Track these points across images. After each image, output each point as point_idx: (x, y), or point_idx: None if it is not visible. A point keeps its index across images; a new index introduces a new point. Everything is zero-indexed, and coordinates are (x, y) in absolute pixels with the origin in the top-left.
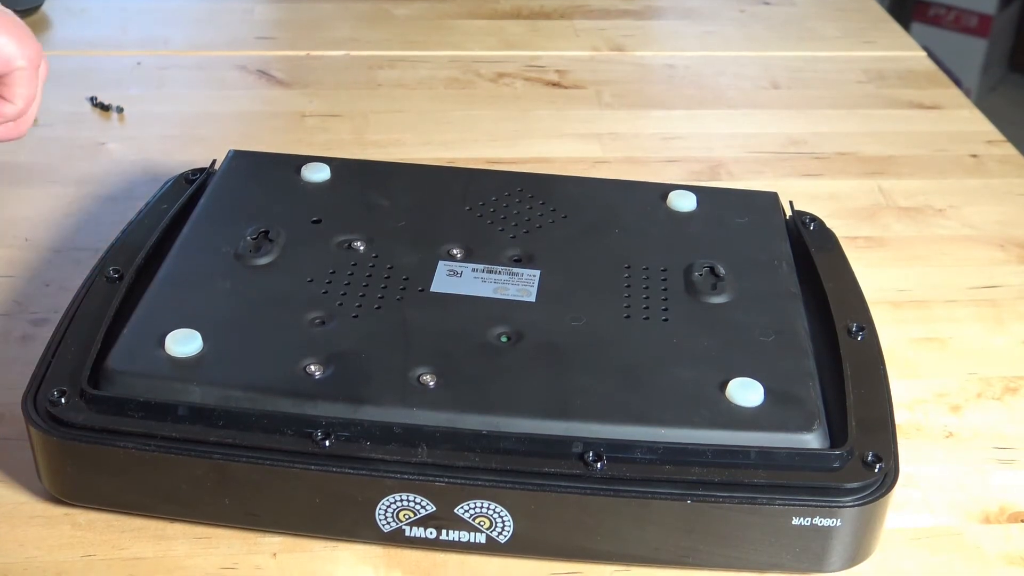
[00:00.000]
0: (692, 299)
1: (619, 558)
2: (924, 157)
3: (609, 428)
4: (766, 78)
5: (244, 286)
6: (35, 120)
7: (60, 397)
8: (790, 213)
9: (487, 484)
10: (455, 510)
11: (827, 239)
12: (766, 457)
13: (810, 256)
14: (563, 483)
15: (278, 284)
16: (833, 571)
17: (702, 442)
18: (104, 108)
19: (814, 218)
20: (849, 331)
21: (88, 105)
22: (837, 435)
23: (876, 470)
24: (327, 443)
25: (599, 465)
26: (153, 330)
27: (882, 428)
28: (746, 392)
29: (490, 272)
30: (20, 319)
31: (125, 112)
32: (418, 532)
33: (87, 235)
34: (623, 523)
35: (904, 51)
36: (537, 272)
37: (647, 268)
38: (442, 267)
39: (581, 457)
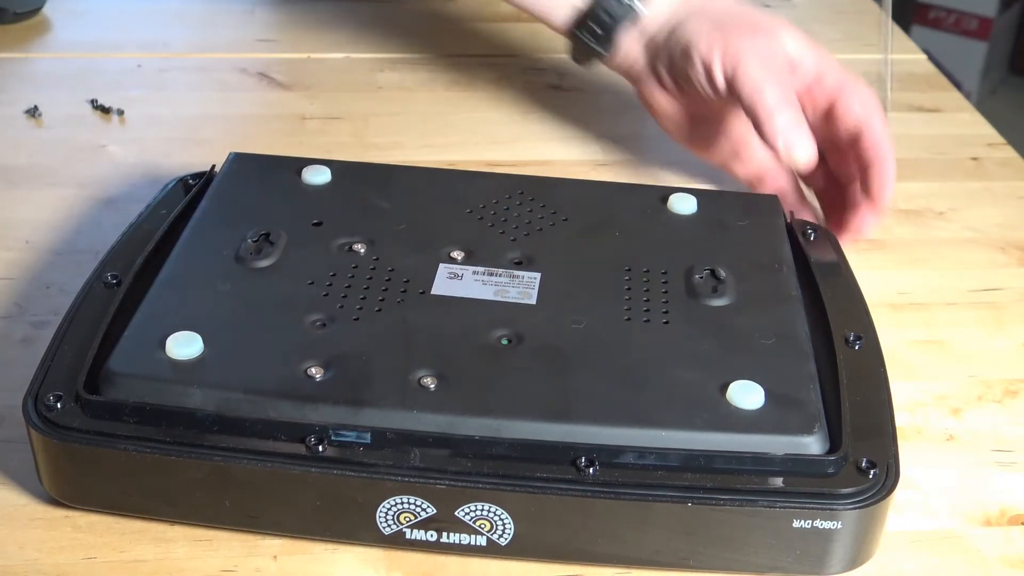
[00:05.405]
0: (693, 302)
1: (620, 561)
2: (924, 160)
3: (609, 430)
4: None
5: (245, 288)
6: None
7: (56, 402)
8: (789, 219)
9: (488, 486)
10: (456, 512)
11: (827, 247)
12: (763, 462)
13: (809, 267)
14: (563, 486)
15: (279, 286)
16: (834, 573)
17: (702, 444)
18: (104, 110)
19: (815, 228)
20: (846, 340)
21: (89, 107)
22: (836, 441)
23: (871, 476)
24: (328, 445)
25: (591, 471)
26: (154, 333)
27: (879, 434)
28: (747, 395)
29: (491, 275)
30: (20, 321)
31: (126, 114)
32: (419, 534)
33: (88, 238)
34: (624, 526)
35: (904, 54)
36: (538, 275)
37: (648, 271)
38: (443, 269)
39: (574, 463)
